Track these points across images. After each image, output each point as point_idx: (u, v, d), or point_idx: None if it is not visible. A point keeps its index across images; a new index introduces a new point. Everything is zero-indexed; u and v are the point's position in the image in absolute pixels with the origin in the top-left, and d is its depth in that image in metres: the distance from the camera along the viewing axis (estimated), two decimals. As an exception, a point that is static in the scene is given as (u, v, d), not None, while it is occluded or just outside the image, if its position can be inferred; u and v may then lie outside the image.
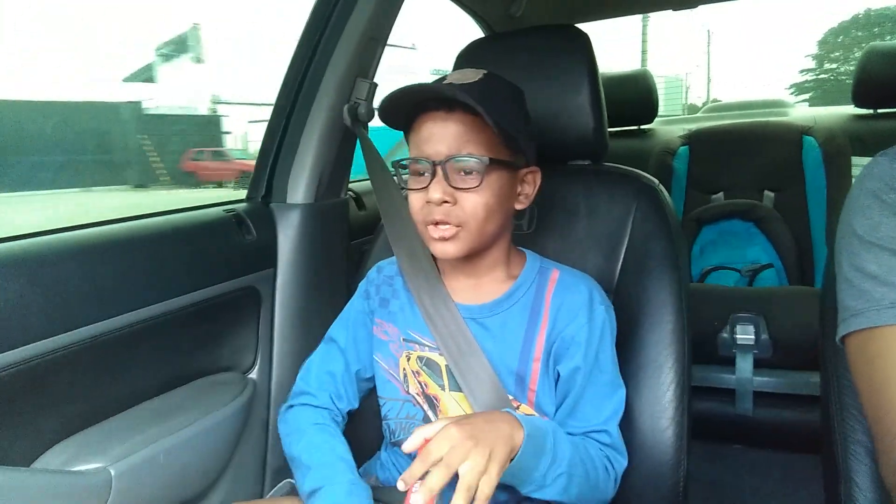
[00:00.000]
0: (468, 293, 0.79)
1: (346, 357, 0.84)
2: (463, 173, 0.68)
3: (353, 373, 0.84)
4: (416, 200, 0.72)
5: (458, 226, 0.70)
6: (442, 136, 0.68)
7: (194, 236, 0.99)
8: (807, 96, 26.67)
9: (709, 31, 30.64)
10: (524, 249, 0.83)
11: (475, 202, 0.69)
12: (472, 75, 0.70)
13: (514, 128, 0.69)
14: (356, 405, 0.86)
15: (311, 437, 0.77)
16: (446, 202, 0.68)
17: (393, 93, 0.68)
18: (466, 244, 0.71)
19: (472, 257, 0.75)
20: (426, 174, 0.69)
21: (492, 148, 0.69)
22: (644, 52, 17.17)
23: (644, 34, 17.07)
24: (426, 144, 0.69)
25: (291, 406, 0.83)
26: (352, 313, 0.87)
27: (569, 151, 0.97)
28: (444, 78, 0.73)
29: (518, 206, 0.77)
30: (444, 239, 0.70)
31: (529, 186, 0.77)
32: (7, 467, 0.71)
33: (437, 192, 0.68)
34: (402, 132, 0.77)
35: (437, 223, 0.70)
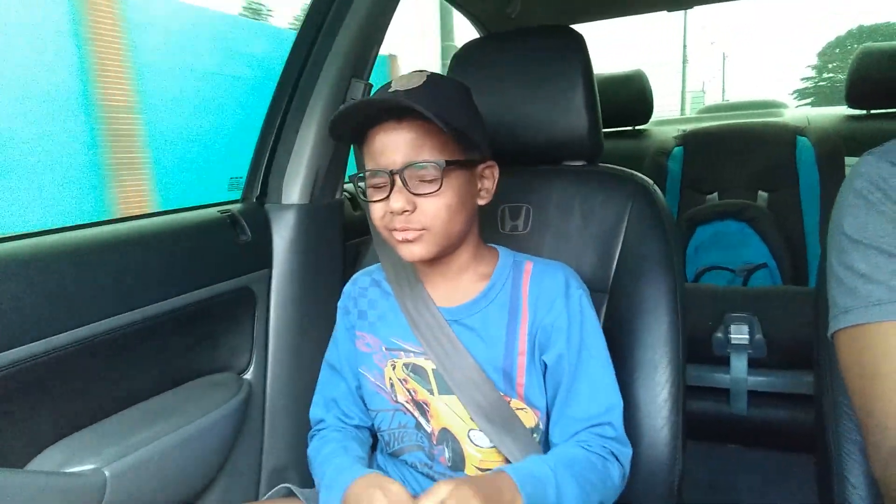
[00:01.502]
0: (447, 295, 0.79)
1: (343, 377, 0.86)
2: (421, 180, 0.69)
3: (355, 390, 0.85)
4: (377, 210, 0.72)
5: (420, 229, 0.70)
6: (395, 145, 0.68)
7: (189, 237, 0.99)
8: (808, 100, 27.89)
9: (724, 54, 37.21)
10: (496, 246, 0.83)
11: (437, 206, 0.69)
12: (416, 79, 0.70)
13: (465, 125, 0.69)
14: (369, 422, 0.86)
15: (320, 449, 0.81)
16: (407, 210, 0.69)
17: (342, 109, 0.68)
18: (433, 246, 0.71)
19: (442, 258, 0.76)
20: (384, 186, 0.69)
21: (446, 150, 0.69)
22: (684, 60, 18.41)
23: (684, 48, 18.24)
24: (381, 156, 0.69)
25: (312, 438, 0.86)
26: (338, 333, 0.88)
27: (563, 152, 0.98)
28: (388, 84, 0.72)
29: (480, 202, 0.77)
30: (408, 241, 0.71)
31: (489, 181, 0.77)
32: (2, 469, 0.70)
33: (398, 201, 0.68)
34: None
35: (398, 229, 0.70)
